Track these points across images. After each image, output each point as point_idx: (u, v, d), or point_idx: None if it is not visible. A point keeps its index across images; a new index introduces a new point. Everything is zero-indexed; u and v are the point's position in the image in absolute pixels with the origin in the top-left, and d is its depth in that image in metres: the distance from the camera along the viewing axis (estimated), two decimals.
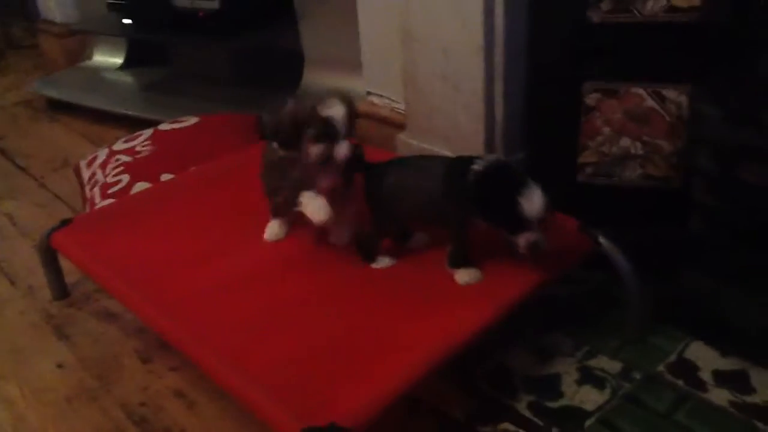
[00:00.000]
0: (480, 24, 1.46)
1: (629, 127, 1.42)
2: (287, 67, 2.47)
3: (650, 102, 1.39)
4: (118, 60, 2.84)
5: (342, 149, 1.15)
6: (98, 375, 1.36)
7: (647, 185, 1.45)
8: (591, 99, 1.43)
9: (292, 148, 1.17)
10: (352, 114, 1.17)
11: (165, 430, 1.23)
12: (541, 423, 1.17)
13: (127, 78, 2.80)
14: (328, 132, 1.15)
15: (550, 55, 1.48)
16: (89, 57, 2.93)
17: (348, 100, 1.18)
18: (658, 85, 1.37)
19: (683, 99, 1.35)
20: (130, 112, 2.48)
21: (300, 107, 1.17)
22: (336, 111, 1.15)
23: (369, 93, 2.01)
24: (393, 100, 1.93)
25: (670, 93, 1.36)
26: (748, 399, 1.18)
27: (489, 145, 1.57)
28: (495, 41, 1.49)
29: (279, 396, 0.99)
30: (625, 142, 1.43)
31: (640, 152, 1.42)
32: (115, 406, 1.29)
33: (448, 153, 1.63)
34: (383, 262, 1.26)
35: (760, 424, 1.13)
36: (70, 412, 1.28)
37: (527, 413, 1.19)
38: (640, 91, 1.39)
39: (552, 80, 1.49)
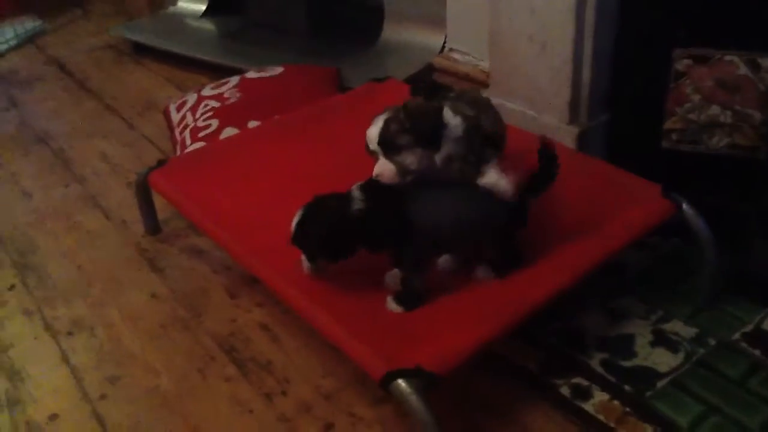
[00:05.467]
0: None
1: (719, 94, 1.41)
2: (366, 19, 2.48)
3: (743, 70, 1.37)
4: (202, 7, 2.90)
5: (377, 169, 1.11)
6: (189, 306, 1.45)
7: (733, 154, 1.44)
8: (681, 65, 1.42)
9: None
10: (395, 124, 1.08)
11: (252, 359, 1.31)
12: (613, 379, 1.20)
13: (208, 25, 2.85)
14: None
15: (642, 18, 1.46)
16: (173, 3, 2.99)
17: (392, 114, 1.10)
18: (753, 53, 1.35)
19: None
20: (210, 59, 2.54)
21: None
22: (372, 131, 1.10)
23: (451, 49, 2.02)
24: (475, 57, 1.94)
25: (765, 61, 1.34)
26: None
27: (573, 107, 1.58)
28: (587, 1, 1.48)
29: (368, 337, 1.05)
30: (715, 110, 1.42)
31: (729, 121, 1.41)
32: (206, 335, 1.37)
33: (532, 113, 1.64)
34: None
35: None
36: (164, 338, 1.37)
37: (600, 369, 1.22)
38: (734, 58, 1.37)
39: (642, 44, 1.48)
